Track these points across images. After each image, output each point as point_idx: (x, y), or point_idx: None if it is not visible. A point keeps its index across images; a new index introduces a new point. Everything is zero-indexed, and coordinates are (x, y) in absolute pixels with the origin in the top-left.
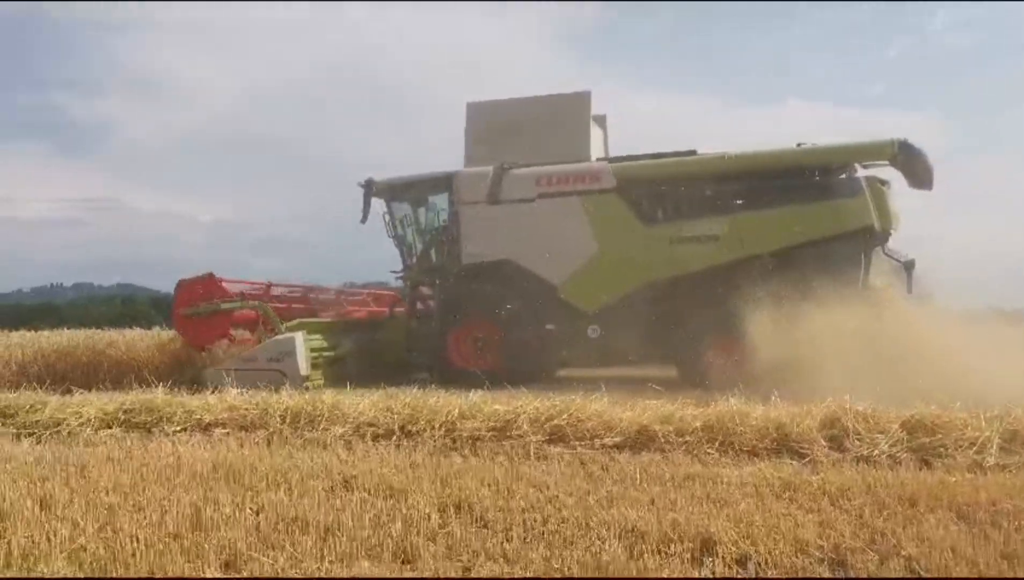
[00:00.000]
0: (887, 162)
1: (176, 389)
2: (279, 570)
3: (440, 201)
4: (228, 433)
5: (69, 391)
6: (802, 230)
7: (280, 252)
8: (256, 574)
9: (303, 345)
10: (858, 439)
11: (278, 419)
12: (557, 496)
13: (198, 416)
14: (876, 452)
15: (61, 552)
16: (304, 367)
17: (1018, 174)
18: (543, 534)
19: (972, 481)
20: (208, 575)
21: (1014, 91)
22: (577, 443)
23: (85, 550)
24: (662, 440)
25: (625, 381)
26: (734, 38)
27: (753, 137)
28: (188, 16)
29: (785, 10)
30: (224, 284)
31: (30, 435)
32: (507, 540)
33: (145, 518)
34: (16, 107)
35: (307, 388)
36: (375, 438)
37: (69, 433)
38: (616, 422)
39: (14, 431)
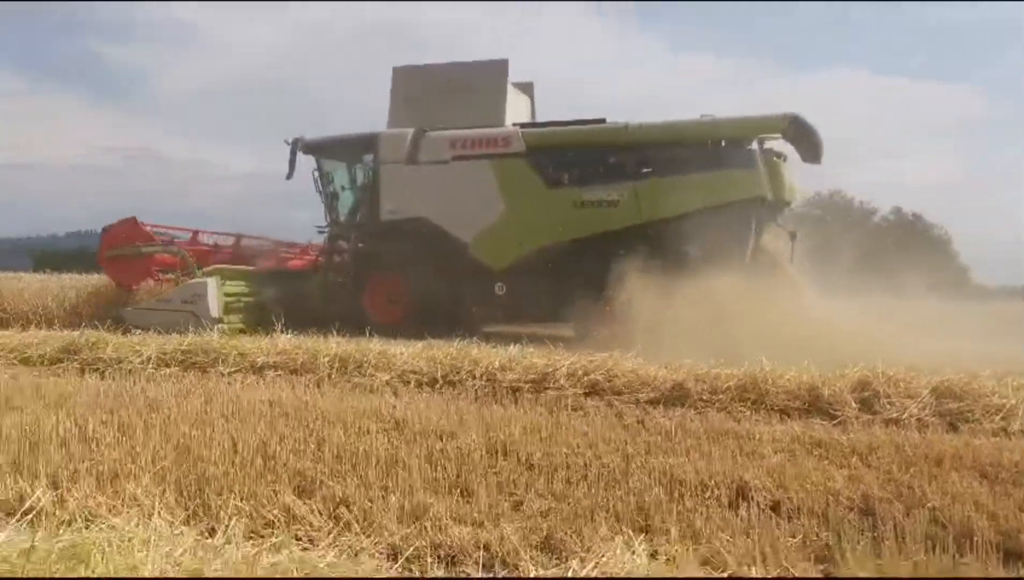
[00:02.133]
0: (779, 135)
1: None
2: (349, 494)
3: (366, 160)
4: (279, 375)
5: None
6: (695, 198)
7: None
8: (330, 497)
9: (215, 289)
10: (888, 403)
11: (326, 364)
12: (596, 444)
13: (251, 358)
14: (905, 415)
15: (146, 473)
16: (215, 310)
17: None
18: (586, 477)
19: (997, 444)
20: (286, 499)
21: None
22: (613, 397)
23: (169, 472)
24: (696, 397)
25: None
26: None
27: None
28: None
29: None
30: (148, 228)
31: (94, 370)
32: (553, 481)
33: (218, 446)
34: (55, 52)
35: (222, 330)
36: (419, 385)
37: (130, 370)
38: (651, 378)
39: (78, 366)
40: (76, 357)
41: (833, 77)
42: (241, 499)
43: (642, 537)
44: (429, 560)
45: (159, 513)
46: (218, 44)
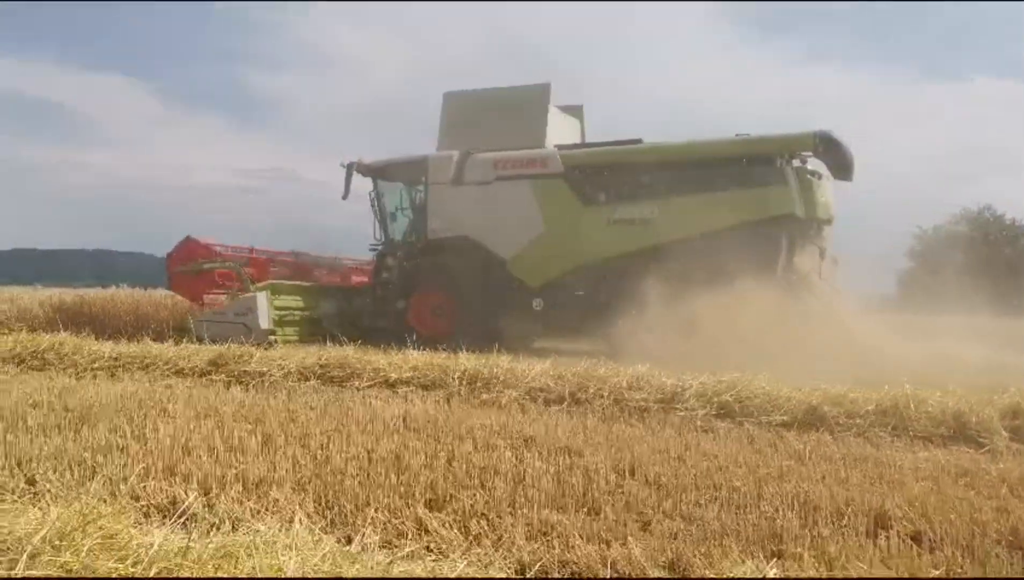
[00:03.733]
0: (810, 153)
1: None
2: (478, 508)
3: (416, 182)
4: (411, 390)
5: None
6: (727, 215)
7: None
8: (460, 511)
9: (265, 303)
10: None
11: (456, 380)
12: (727, 467)
13: (385, 374)
14: None
15: (287, 481)
16: (265, 322)
17: None
18: (715, 499)
19: None
20: (418, 511)
21: None
22: (744, 419)
23: (308, 481)
24: (832, 421)
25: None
26: (913, 9)
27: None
28: None
29: None
30: (206, 247)
31: (239, 383)
32: (681, 502)
33: (354, 458)
34: (208, 81)
35: (273, 342)
36: (546, 403)
37: (272, 383)
38: (784, 401)
39: (224, 379)
40: (223, 370)
41: (980, 87)
42: (375, 509)
43: (773, 562)
44: (556, 576)
45: (299, 520)
46: (352, 68)
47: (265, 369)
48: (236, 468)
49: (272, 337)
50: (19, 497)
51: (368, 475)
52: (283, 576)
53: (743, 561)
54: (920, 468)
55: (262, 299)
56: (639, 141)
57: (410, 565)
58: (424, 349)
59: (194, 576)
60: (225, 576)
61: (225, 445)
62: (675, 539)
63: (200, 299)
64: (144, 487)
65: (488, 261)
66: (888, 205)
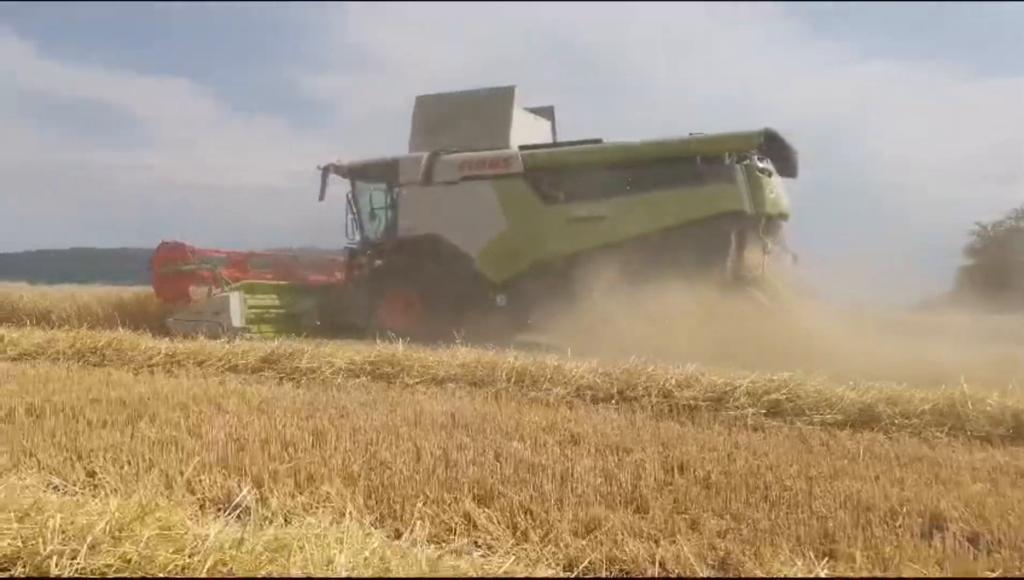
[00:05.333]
0: (755, 150)
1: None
2: (526, 504)
3: (388, 182)
4: (459, 387)
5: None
6: (678, 212)
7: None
8: (508, 507)
9: (237, 302)
10: None
11: (504, 377)
12: (778, 466)
13: (433, 371)
14: None
15: (338, 476)
16: (238, 320)
17: None
18: (766, 498)
19: None
20: (466, 506)
21: None
22: (795, 418)
23: (358, 476)
24: (886, 421)
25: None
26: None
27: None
28: None
29: None
30: (197, 252)
31: (290, 379)
32: (731, 501)
33: (402, 454)
34: (259, 83)
35: (249, 338)
36: (594, 401)
37: (322, 380)
38: (837, 400)
39: (277, 375)
40: (275, 366)
41: None
42: (424, 504)
43: (825, 561)
44: (604, 573)
45: (350, 514)
46: (394, 67)
47: (316, 366)
48: (288, 463)
49: (246, 333)
50: (80, 489)
51: (417, 470)
52: (334, 575)
53: (794, 561)
54: (977, 469)
55: (234, 299)
56: (599, 141)
57: (458, 560)
58: (472, 346)
59: (249, 567)
60: (276, 572)
61: (277, 440)
62: (725, 538)
63: (181, 298)
64: (200, 480)
65: (455, 258)
66: (942, 202)
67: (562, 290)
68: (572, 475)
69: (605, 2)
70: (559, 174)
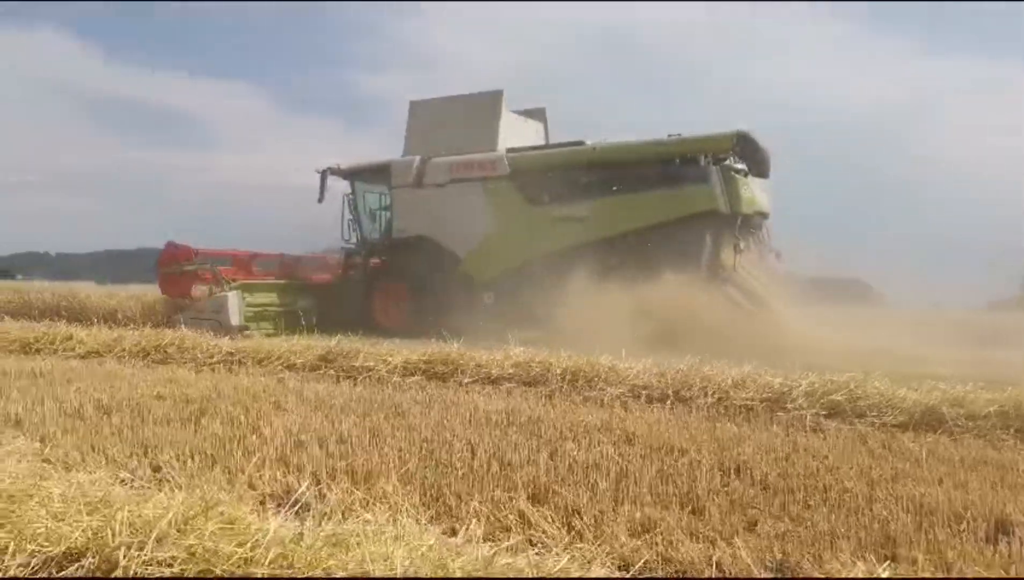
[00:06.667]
0: (729, 152)
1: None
2: (580, 504)
3: (383, 185)
4: (513, 386)
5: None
6: (655, 212)
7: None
8: (562, 506)
9: (236, 301)
10: None
11: (558, 377)
12: (838, 467)
13: (487, 370)
14: None
15: (394, 474)
16: (236, 318)
17: None
18: (826, 501)
19: None
20: (520, 505)
21: None
22: (856, 419)
23: (414, 473)
24: (951, 423)
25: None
26: None
27: None
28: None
29: None
30: (201, 252)
31: (347, 377)
32: (789, 503)
33: (458, 451)
34: (316, 84)
35: (247, 336)
36: (649, 400)
37: (379, 378)
38: (899, 401)
39: (334, 374)
40: (332, 365)
41: None
42: (479, 502)
43: (886, 564)
44: (660, 573)
45: (406, 511)
46: (455, 67)
47: (372, 364)
48: (345, 460)
49: (245, 330)
50: (146, 483)
51: (471, 469)
52: (393, 574)
53: (854, 563)
54: None
55: (233, 298)
56: (581, 143)
57: (513, 557)
58: (526, 346)
59: (309, 561)
60: (336, 567)
61: (335, 438)
62: (783, 540)
63: (185, 296)
64: (260, 476)
65: (445, 259)
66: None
67: (547, 288)
68: (627, 475)
69: (647, 3)
70: (544, 176)
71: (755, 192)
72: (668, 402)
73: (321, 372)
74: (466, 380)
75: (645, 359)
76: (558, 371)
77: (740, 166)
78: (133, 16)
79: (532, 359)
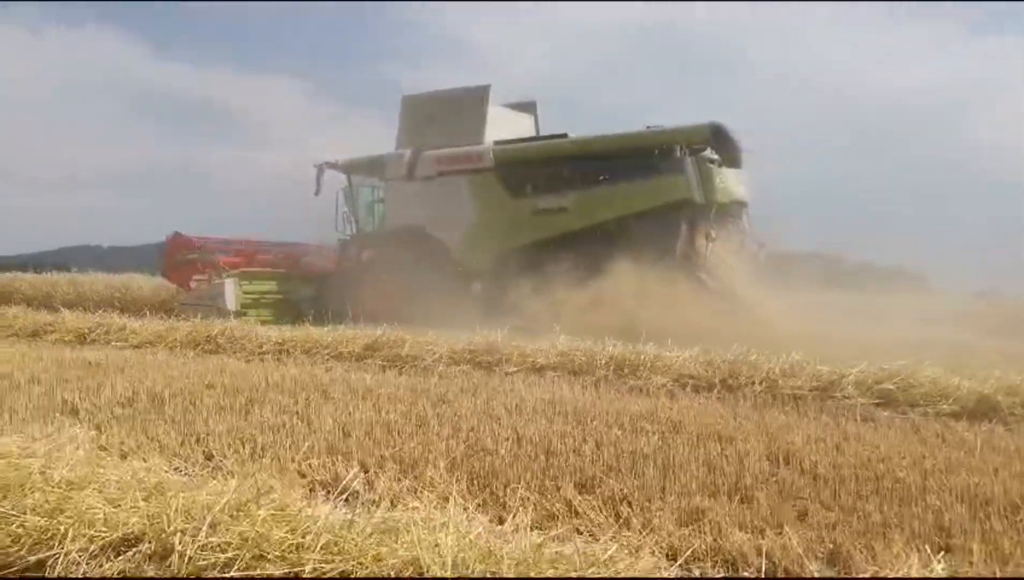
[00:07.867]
0: (703, 143)
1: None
2: (627, 492)
3: (377, 178)
4: (558, 375)
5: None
6: (632, 203)
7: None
8: (609, 495)
9: (233, 289)
10: None
11: (603, 366)
12: (890, 457)
13: (532, 359)
14: None
15: (441, 462)
16: (232, 305)
17: None
18: (877, 490)
19: None
20: (567, 493)
21: None
22: (908, 409)
23: (460, 462)
24: (1006, 411)
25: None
26: None
27: None
28: None
29: None
30: (203, 243)
31: (393, 366)
32: (840, 493)
33: (504, 440)
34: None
35: (245, 321)
36: (695, 390)
37: (424, 367)
38: (952, 390)
39: (380, 363)
40: (378, 354)
41: None
42: (526, 491)
43: (940, 555)
44: (708, 563)
45: (454, 499)
46: (489, 59)
47: (417, 354)
48: (392, 448)
49: (243, 316)
50: (200, 470)
51: (518, 457)
52: (443, 562)
53: (907, 554)
54: None
55: (230, 285)
56: (564, 136)
57: (561, 546)
58: (571, 335)
59: (359, 547)
60: (385, 553)
61: (381, 426)
62: (834, 530)
63: (187, 285)
64: (309, 464)
65: (435, 249)
66: None
67: (530, 277)
68: (674, 464)
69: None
70: (527, 168)
71: (729, 182)
72: (715, 391)
73: (367, 361)
74: (511, 369)
75: (692, 348)
76: (603, 360)
77: (715, 157)
78: (179, 16)
79: (577, 348)
